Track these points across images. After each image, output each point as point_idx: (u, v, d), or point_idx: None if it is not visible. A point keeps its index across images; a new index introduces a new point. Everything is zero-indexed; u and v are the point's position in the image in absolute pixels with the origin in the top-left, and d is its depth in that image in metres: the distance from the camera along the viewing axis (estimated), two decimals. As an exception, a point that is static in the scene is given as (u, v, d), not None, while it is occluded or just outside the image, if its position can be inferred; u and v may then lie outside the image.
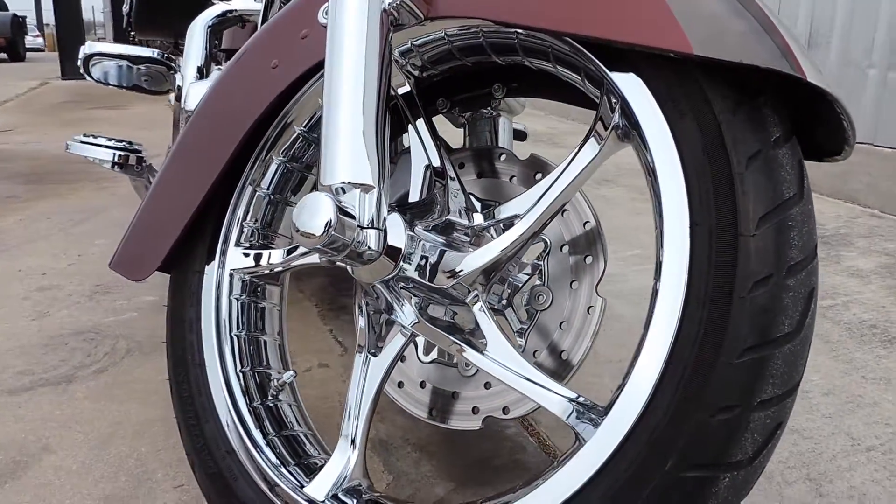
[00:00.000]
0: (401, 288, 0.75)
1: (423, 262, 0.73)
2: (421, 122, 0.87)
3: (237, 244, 0.92)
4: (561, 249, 0.84)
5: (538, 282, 0.85)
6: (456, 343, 0.73)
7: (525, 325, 0.84)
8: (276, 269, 0.90)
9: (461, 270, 0.73)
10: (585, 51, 0.68)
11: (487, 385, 0.86)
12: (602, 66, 0.67)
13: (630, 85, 0.65)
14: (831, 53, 2.81)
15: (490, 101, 0.94)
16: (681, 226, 0.61)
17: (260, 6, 1.74)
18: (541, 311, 0.84)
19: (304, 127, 0.91)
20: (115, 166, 1.20)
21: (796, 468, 1.05)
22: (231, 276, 0.91)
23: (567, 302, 0.82)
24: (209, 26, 1.82)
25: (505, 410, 0.83)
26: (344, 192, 0.67)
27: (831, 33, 2.80)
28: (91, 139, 1.20)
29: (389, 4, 0.72)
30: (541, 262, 0.85)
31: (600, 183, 3.01)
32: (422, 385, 0.91)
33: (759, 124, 0.60)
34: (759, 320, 0.56)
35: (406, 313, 0.76)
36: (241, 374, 0.86)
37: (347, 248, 0.65)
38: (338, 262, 0.69)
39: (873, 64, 2.63)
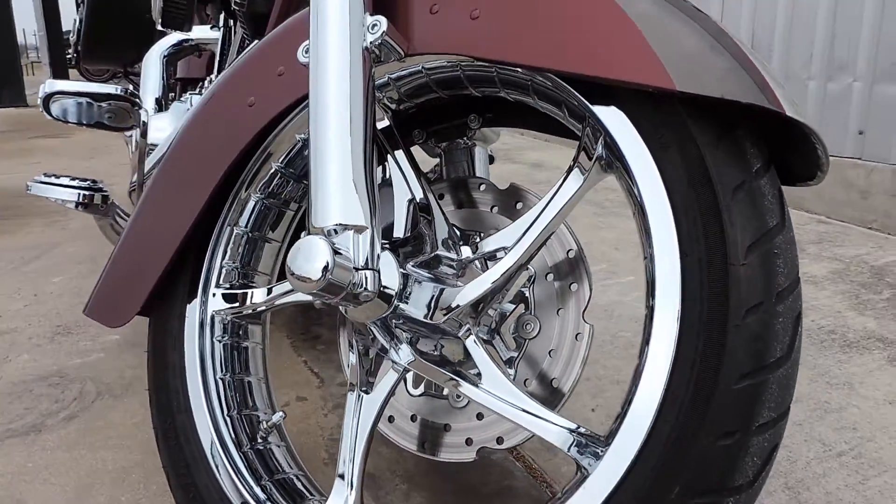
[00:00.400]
0: (394, 326, 0.75)
1: (416, 300, 0.73)
2: (402, 155, 0.87)
3: (218, 285, 0.90)
4: (546, 277, 0.85)
5: (525, 310, 0.86)
6: (453, 378, 0.74)
7: (514, 354, 0.85)
8: (259, 309, 0.89)
9: (455, 305, 0.73)
10: (567, 85, 0.70)
11: (480, 416, 0.86)
12: (584, 100, 0.69)
13: (613, 118, 0.67)
14: (773, 63, 2.92)
15: (466, 131, 0.95)
16: (671, 257, 0.63)
17: (217, 35, 1.72)
18: (529, 339, 0.85)
19: (282, 163, 0.90)
20: (80, 206, 1.17)
21: (774, 477, 1.08)
22: (213, 317, 0.89)
23: (555, 330, 0.84)
24: (165, 56, 1.79)
25: (499, 440, 0.84)
26: (336, 233, 0.67)
27: (772, 48, 2.92)
28: (53, 179, 1.17)
29: (371, 43, 0.72)
30: (526, 291, 0.86)
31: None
32: (412, 418, 0.91)
33: (741, 156, 0.62)
34: (754, 346, 0.58)
35: (402, 351, 0.76)
36: (229, 419, 0.84)
37: (344, 291, 0.65)
38: (332, 304, 0.69)
39: (812, 76, 2.75)
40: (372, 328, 0.76)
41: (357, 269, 0.66)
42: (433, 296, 0.74)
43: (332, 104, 0.71)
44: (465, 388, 0.73)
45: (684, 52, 0.62)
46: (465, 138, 0.98)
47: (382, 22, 0.72)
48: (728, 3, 3.13)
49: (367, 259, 0.67)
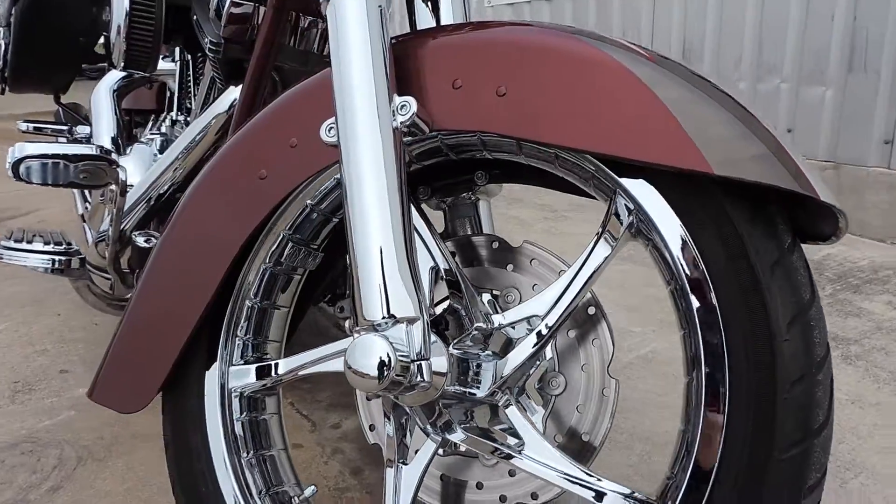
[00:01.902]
0: (440, 404, 0.76)
1: (463, 378, 0.74)
2: (419, 219, 0.87)
3: (236, 360, 0.89)
4: (568, 335, 0.88)
5: (550, 367, 0.88)
6: (498, 449, 0.75)
7: (542, 411, 0.87)
8: (282, 381, 0.88)
9: (501, 378, 0.75)
10: (596, 161, 0.72)
11: (512, 472, 0.88)
12: (615, 175, 0.71)
13: (645, 194, 0.70)
14: (704, 68, 3.05)
15: (471, 187, 0.96)
16: (714, 333, 0.66)
17: (170, 66, 1.66)
18: (556, 395, 0.87)
19: (289, 230, 0.89)
20: (55, 272, 1.12)
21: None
22: (233, 394, 0.88)
23: (581, 385, 0.86)
24: (115, 91, 1.72)
25: (534, 496, 0.86)
26: (388, 324, 0.67)
27: (703, 50, 3.04)
28: (24, 245, 1.10)
29: (402, 123, 0.72)
30: (550, 349, 0.88)
31: (510, 203, 3.10)
32: (442, 478, 0.92)
33: (774, 232, 0.66)
34: (801, 416, 0.62)
35: (445, 426, 0.77)
36: (261, 500, 0.83)
37: (403, 386, 0.65)
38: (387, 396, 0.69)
39: (742, 77, 2.88)
40: (418, 408, 0.76)
41: (412, 362, 0.67)
42: (479, 371, 0.75)
43: (369, 192, 0.70)
44: (516, 460, 0.75)
45: (718, 136, 0.64)
46: (470, 193, 0.99)
47: (412, 103, 0.72)
48: (658, 11, 3.24)
49: (420, 349, 0.68)
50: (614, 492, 0.70)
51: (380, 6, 0.75)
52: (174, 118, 1.52)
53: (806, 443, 0.62)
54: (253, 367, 0.88)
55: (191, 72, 1.53)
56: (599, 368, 0.86)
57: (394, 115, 0.72)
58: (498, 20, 0.85)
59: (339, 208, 0.91)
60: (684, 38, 3.13)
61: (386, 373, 0.62)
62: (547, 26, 0.75)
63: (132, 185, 1.32)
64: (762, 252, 0.65)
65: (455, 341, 0.76)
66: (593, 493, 0.71)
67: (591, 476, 0.72)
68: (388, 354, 0.63)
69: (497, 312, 0.82)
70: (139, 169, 1.40)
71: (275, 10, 1.06)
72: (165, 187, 1.29)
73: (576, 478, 0.72)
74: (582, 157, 0.73)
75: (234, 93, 1.22)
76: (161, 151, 1.40)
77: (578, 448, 0.85)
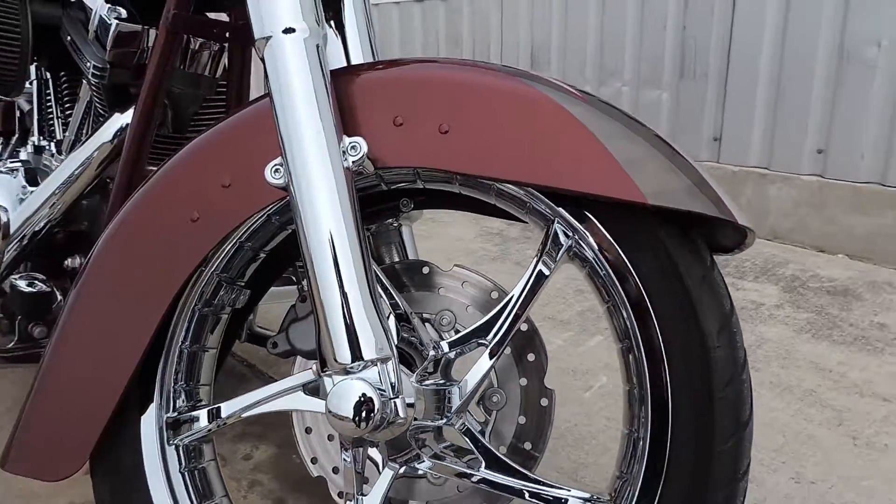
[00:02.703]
0: (406, 436, 0.78)
1: (429, 408, 0.76)
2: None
3: (171, 411, 0.85)
4: (505, 352, 0.92)
5: (492, 385, 0.92)
6: (462, 472, 0.79)
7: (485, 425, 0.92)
8: (223, 426, 0.85)
9: (460, 403, 0.78)
10: (536, 192, 0.77)
11: (460, 488, 0.91)
12: (553, 204, 0.77)
13: (583, 221, 0.76)
14: (552, 71, 3.24)
15: (396, 214, 0.98)
16: (654, 345, 0.73)
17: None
18: (497, 410, 0.91)
19: (218, 269, 0.86)
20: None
21: None
22: (171, 446, 0.84)
23: (520, 398, 0.91)
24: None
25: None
26: (360, 367, 0.68)
27: (550, 54, 3.23)
28: None
29: (353, 163, 0.73)
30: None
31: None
32: (391, 502, 0.93)
33: (699, 252, 0.74)
34: (734, 412, 0.72)
35: (415, 457, 0.79)
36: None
37: (384, 425, 0.67)
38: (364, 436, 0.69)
39: (587, 80, 3.10)
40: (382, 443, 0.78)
41: (389, 399, 0.68)
42: (445, 398, 0.77)
43: (327, 236, 0.71)
44: (476, 475, 0.78)
45: (649, 169, 0.72)
46: (393, 219, 1.01)
47: (362, 143, 0.73)
48: (506, 17, 3.39)
49: (394, 386, 0.69)
50: (576, 497, 0.76)
51: (317, 44, 0.75)
52: (37, 144, 1.38)
53: (738, 434, 0.72)
54: (193, 413, 0.85)
55: (51, 92, 1.40)
56: (537, 380, 0.91)
57: (344, 156, 0.73)
58: (433, 57, 0.87)
59: (268, 244, 0.89)
60: (532, 43, 3.31)
61: (371, 416, 0.64)
62: (482, 64, 0.79)
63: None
64: (691, 270, 0.73)
65: (417, 373, 0.79)
66: (554, 501, 0.76)
67: (551, 485, 0.77)
68: (370, 398, 0.64)
69: (442, 339, 0.85)
70: (7, 203, 1.27)
71: (168, 32, 1.01)
72: (42, 224, 1.18)
73: (537, 487, 0.77)
74: (520, 188, 0.78)
75: (119, 120, 1.14)
76: (30, 183, 1.28)
77: (523, 458, 0.90)
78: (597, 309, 1.95)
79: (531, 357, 0.92)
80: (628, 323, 0.75)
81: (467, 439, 0.81)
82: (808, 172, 2.48)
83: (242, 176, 0.79)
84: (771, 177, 2.56)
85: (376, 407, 0.64)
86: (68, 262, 1.25)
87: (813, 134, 2.43)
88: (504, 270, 2.28)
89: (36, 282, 1.16)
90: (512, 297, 0.81)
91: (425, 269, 0.96)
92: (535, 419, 0.91)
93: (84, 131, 1.24)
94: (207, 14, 1.17)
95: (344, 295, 0.70)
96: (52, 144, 1.32)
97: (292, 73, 0.73)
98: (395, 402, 0.69)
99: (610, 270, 0.75)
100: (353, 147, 0.73)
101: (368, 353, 0.68)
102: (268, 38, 0.74)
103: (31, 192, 1.21)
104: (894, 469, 1.26)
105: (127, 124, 1.14)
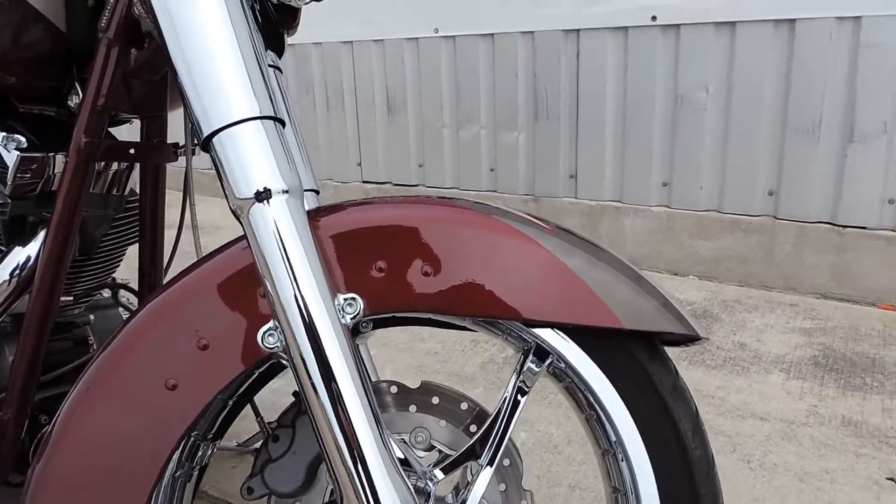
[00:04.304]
0: None
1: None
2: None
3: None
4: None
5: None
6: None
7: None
8: None
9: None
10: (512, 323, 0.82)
11: None
12: (528, 329, 0.82)
13: (560, 344, 0.81)
14: (410, 115, 3.31)
15: (356, 335, 0.98)
16: (637, 452, 0.81)
17: None
18: (479, 518, 0.95)
19: (199, 431, 0.83)
20: None
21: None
22: None
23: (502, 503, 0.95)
24: None
25: None
26: None
27: (406, 98, 3.30)
28: None
29: (352, 319, 0.74)
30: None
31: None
32: None
33: (665, 362, 0.83)
34: (713, 501, 0.80)
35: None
36: None
37: None
38: None
39: (446, 124, 3.20)
40: None
41: None
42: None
43: (335, 397, 0.70)
44: None
45: (621, 295, 0.79)
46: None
47: (358, 300, 0.74)
48: (358, 62, 3.42)
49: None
50: None
51: (300, 201, 0.75)
52: None
53: None
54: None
55: None
56: (515, 485, 0.95)
57: (342, 313, 0.73)
58: (402, 196, 0.88)
59: (238, 390, 0.87)
60: (386, 86, 3.36)
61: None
62: (456, 202, 0.82)
63: None
64: (663, 379, 0.81)
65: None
66: None
67: None
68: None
69: (433, 467, 0.87)
70: None
71: (79, 161, 0.95)
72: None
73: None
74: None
75: (22, 253, 1.04)
76: None
77: (507, 560, 0.94)
78: (496, 359, 2.04)
79: (507, 462, 0.96)
80: (610, 430, 0.82)
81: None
82: (656, 204, 2.74)
83: (223, 337, 0.76)
84: (624, 209, 2.80)
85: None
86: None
87: (657, 169, 2.70)
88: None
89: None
90: (494, 415, 0.85)
91: (394, 389, 0.97)
92: (516, 521, 0.95)
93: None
94: (123, 119, 1.10)
95: (361, 458, 0.70)
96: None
97: (280, 237, 0.72)
98: None
99: (590, 384, 0.82)
100: (349, 304, 0.74)
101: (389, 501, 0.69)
102: (249, 202, 0.72)
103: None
104: (786, 485, 1.45)
105: (29, 257, 1.04)
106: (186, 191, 1.12)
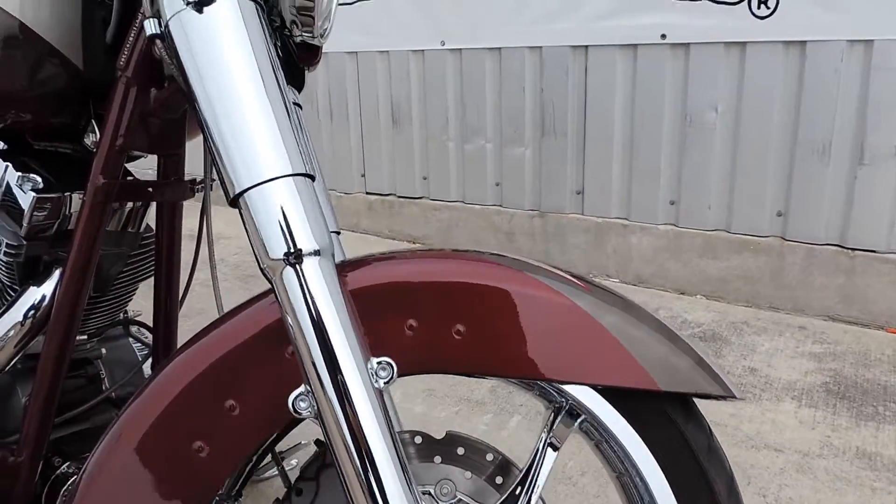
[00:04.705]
0: None
1: None
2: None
3: None
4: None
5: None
6: None
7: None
8: None
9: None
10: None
11: None
12: (561, 387, 0.80)
13: (595, 403, 0.79)
14: (415, 128, 3.29)
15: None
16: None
17: None
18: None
19: (227, 492, 0.81)
20: None
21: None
22: None
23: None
24: None
25: None
26: None
27: (411, 111, 3.28)
28: None
29: (386, 384, 0.72)
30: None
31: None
32: None
33: (701, 422, 0.81)
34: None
35: None
36: None
37: None
38: None
39: (451, 137, 3.18)
40: None
41: None
42: None
43: (369, 463, 0.68)
44: None
45: (657, 356, 0.77)
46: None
47: (392, 364, 0.72)
48: (363, 72, 3.40)
49: None
50: None
51: (332, 262, 0.72)
52: None
53: None
54: None
55: None
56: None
57: (375, 377, 0.71)
58: (430, 249, 0.86)
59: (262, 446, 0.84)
60: (391, 98, 3.34)
61: None
62: (485, 257, 0.80)
63: None
64: (698, 441, 0.80)
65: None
66: None
67: None
68: None
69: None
70: None
71: (95, 202, 0.92)
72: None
73: None
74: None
75: (34, 294, 1.02)
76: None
77: None
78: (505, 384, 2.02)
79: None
80: (644, 491, 0.80)
81: None
82: (663, 222, 2.73)
83: (252, 400, 0.74)
84: (631, 227, 2.79)
85: None
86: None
87: (665, 187, 2.69)
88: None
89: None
90: (524, 471, 0.83)
91: (418, 440, 0.95)
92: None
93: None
94: (139, 155, 1.08)
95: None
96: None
97: (312, 301, 0.69)
98: None
99: (623, 445, 0.80)
100: (382, 369, 0.72)
101: None
102: (279, 264, 0.70)
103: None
104: (802, 522, 1.43)
105: (44, 296, 1.02)
106: (202, 227, 1.10)
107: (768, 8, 2.31)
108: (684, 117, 2.57)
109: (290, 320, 0.70)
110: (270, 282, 0.71)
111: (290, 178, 0.71)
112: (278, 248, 0.70)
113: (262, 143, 0.71)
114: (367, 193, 3.56)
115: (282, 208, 0.70)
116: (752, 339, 2.28)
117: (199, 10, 0.73)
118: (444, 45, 3.06)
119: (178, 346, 1.22)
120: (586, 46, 2.70)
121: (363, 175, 3.55)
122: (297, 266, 0.69)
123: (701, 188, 2.61)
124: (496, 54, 2.94)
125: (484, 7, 2.88)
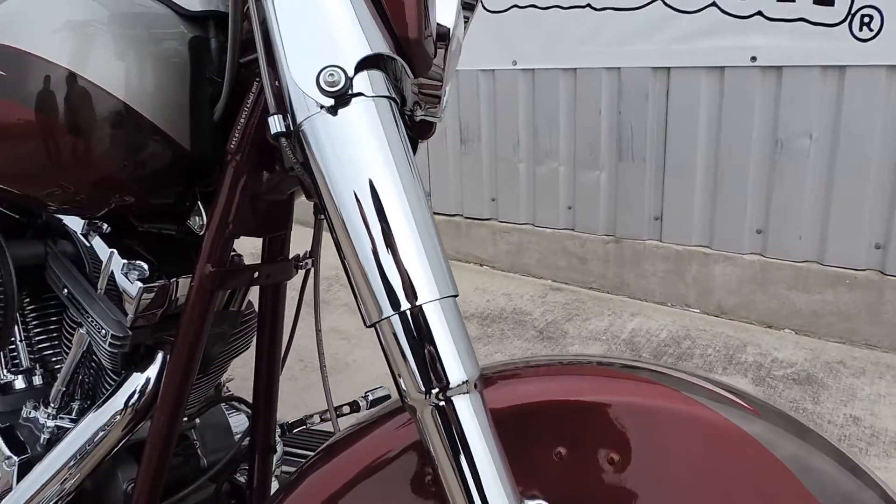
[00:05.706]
0: None
1: None
2: None
3: None
4: None
5: None
6: None
7: None
8: None
9: None
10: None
11: None
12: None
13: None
14: (483, 149, 3.22)
15: None
16: None
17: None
18: None
19: None
20: None
21: None
22: None
23: None
24: None
25: None
26: None
27: (480, 133, 3.20)
28: None
29: None
30: None
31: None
32: None
33: None
34: None
35: None
36: None
37: None
38: None
39: (522, 159, 3.10)
40: None
41: None
42: None
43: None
44: None
45: (838, 493, 0.68)
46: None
47: (542, 506, 0.65)
48: (431, 92, 3.33)
49: None
50: None
51: (480, 393, 0.65)
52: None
53: None
54: None
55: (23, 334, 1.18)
56: None
57: (523, 513, 0.64)
58: (573, 359, 0.79)
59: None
60: (459, 117, 3.27)
61: None
62: (637, 373, 0.73)
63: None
64: None
65: None
66: None
67: None
68: None
69: None
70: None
71: (202, 291, 0.88)
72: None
73: None
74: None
75: (139, 378, 0.98)
76: (15, 446, 1.07)
77: None
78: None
79: None
80: None
81: None
82: (749, 251, 2.59)
83: None
84: (714, 255, 2.66)
85: None
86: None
87: (752, 215, 2.56)
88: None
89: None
90: None
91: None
92: None
93: (78, 386, 1.06)
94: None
95: None
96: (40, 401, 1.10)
97: (464, 438, 0.63)
98: None
99: None
100: (536, 508, 0.65)
101: None
102: (426, 400, 0.63)
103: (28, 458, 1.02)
104: None
105: (149, 380, 0.98)
106: (301, 303, 1.05)
107: (871, 30, 2.16)
108: (775, 143, 2.43)
109: (436, 456, 0.64)
110: (413, 415, 0.65)
111: (437, 301, 0.64)
112: (425, 381, 0.63)
113: (409, 264, 0.64)
114: (434, 213, 3.49)
115: (430, 336, 0.63)
116: (850, 382, 2.15)
117: (334, 113, 0.67)
118: (515, 64, 2.98)
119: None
120: (668, 68, 2.58)
121: (429, 195, 3.47)
122: (447, 401, 0.63)
123: (791, 217, 2.47)
124: (571, 75, 2.84)
125: (557, 27, 2.79)
